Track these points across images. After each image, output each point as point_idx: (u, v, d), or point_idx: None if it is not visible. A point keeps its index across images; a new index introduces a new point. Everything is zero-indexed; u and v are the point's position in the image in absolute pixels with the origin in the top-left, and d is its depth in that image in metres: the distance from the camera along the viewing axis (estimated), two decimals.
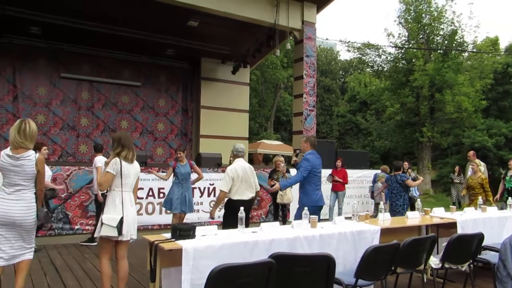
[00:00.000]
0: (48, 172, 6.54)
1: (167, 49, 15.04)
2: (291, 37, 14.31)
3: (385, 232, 4.82)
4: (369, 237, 4.59)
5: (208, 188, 9.69)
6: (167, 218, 9.00)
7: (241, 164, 5.73)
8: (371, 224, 4.91)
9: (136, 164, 4.23)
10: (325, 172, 10.56)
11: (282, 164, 9.23)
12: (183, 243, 3.48)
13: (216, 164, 10.57)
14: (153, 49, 14.73)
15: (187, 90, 17.02)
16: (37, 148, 6.31)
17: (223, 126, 16.45)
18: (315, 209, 5.56)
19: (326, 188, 10.21)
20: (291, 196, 8.64)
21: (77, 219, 8.14)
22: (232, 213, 5.11)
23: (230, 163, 5.00)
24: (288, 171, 9.17)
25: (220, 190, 5.60)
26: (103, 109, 15.32)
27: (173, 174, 7.49)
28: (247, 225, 4.64)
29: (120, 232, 3.87)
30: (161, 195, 9.04)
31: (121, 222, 3.88)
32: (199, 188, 9.54)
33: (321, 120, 34.68)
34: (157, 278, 3.58)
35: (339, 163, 10.28)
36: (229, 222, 5.25)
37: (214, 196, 9.74)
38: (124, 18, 12.19)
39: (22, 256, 3.84)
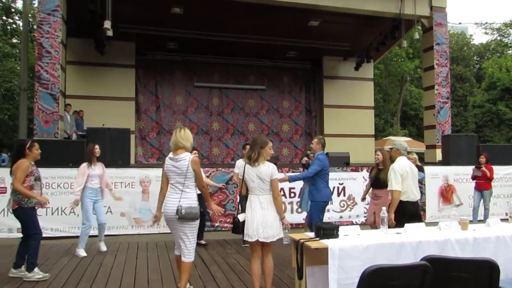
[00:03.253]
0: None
1: (289, 51, 15.37)
2: (418, 26, 13.46)
3: None
4: None
5: (338, 187, 9.60)
6: (298, 217, 9.17)
7: (407, 163, 5.36)
8: None
9: (260, 167, 4.20)
10: (466, 170, 9.68)
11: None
12: (328, 242, 3.51)
13: (344, 163, 10.44)
14: (276, 52, 15.18)
15: (309, 90, 17.16)
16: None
17: (348, 124, 16.18)
18: (325, 204, 6.06)
19: (469, 187, 9.34)
20: (417, 195, 7.95)
21: (216, 217, 8.76)
22: (401, 215, 4.95)
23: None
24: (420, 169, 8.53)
25: (393, 191, 5.09)
26: (232, 114, 16.26)
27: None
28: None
29: (234, 230, 4.19)
30: (292, 194, 9.25)
31: (233, 221, 4.19)
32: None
33: (454, 112, 31.79)
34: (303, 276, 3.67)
35: (482, 159, 9.28)
36: (399, 224, 4.92)
37: (344, 195, 9.62)
38: (249, 26, 12.81)
39: (182, 256, 4.22)
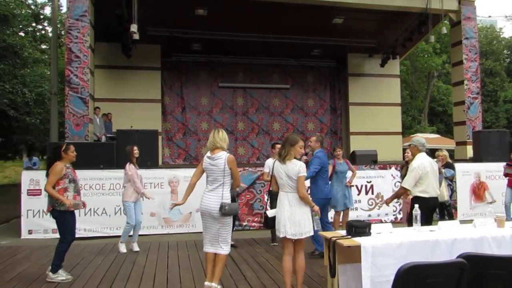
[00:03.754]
0: None
1: (313, 49, 15.29)
2: (446, 20, 13.17)
3: None
4: None
5: (366, 185, 9.51)
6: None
7: (427, 159, 5.26)
8: None
9: (289, 164, 4.24)
10: (498, 167, 9.41)
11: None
12: (360, 240, 3.49)
13: (371, 161, 10.32)
14: (299, 51, 15.12)
15: (334, 88, 17.03)
16: None
17: (374, 121, 15.97)
18: (326, 201, 6.11)
19: (502, 184, 9.06)
20: (446, 193, 7.74)
21: (244, 216, 8.82)
22: (424, 212, 4.90)
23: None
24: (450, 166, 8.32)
25: (403, 187, 5.05)
26: (257, 113, 16.28)
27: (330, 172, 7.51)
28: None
29: (266, 225, 4.18)
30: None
31: (264, 216, 4.19)
32: (356, 186, 9.41)
33: (484, 108, 30.86)
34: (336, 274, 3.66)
35: None
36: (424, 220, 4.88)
37: (372, 193, 9.52)
38: (272, 26, 12.81)
39: (219, 249, 4.37)
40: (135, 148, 6.79)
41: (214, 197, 4.32)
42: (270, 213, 4.32)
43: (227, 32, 13.02)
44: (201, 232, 8.12)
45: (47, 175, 5.12)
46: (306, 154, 6.78)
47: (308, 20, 12.53)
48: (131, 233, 6.74)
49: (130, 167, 6.61)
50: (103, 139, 11.66)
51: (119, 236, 6.90)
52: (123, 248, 6.64)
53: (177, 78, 15.60)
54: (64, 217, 5.09)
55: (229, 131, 15.84)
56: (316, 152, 6.08)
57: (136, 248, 6.77)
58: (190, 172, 8.68)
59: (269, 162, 7.16)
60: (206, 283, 4.37)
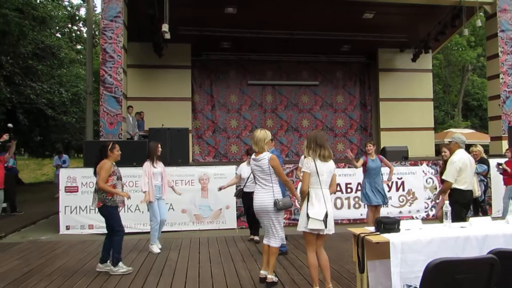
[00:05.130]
0: None
1: (342, 45, 15.15)
2: (480, 13, 12.78)
3: None
4: None
5: (397, 182, 9.38)
6: (355, 213, 9.10)
7: (466, 155, 5.42)
8: None
9: (331, 162, 4.37)
10: None
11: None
12: (389, 237, 3.49)
13: (402, 157, 10.17)
14: (329, 47, 15.01)
15: (364, 84, 16.82)
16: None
17: (405, 117, 15.69)
18: None
19: None
20: (477, 188, 7.54)
21: None
22: (461, 206, 5.07)
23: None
24: (484, 162, 8.12)
25: (447, 181, 5.32)
26: (286, 110, 16.30)
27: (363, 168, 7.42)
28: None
29: (326, 225, 4.11)
30: (349, 190, 9.17)
31: (326, 216, 4.13)
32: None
33: None
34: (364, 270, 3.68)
35: None
36: (457, 217, 4.88)
37: (403, 190, 9.39)
38: (302, 22, 12.79)
39: (271, 242, 4.66)
40: (159, 145, 6.84)
41: (266, 194, 4.63)
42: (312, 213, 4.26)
43: (256, 30, 13.07)
44: (231, 229, 8.27)
45: (95, 173, 5.36)
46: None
47: (338, 15, 12.42)
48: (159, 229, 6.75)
49: (145, 164, 6.63)
50: (136, 137, 11.98)
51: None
52: (156, 249, 6.63)
53: (207, 76, 15.81)
54: (113, 212, 5.39)
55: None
56: (272, 151, 5.81)
57: (159, 245, 6.79)
58: (220, 169, 8.89)
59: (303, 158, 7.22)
60: (262, 271, 4.75)
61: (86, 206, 8.23)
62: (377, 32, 14.02)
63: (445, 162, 6.34)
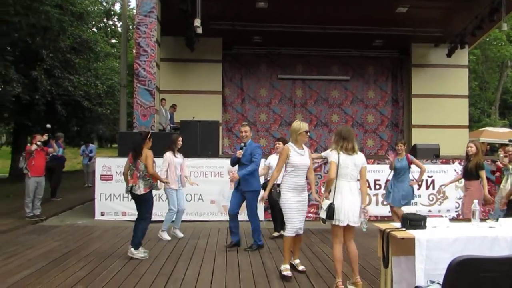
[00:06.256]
0: None
1: (374, 39, 14.95)
2: None
3: None
4: None
5: (427, 180, 9.24)
6: (383, 210, 9.02)
7: None
8: None
9: (359, 155, 4.40)
10: None
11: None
12: (415, 233, 3.51)
13: (434, 155, 10.01)
14: (361, 41, 14.83)
15: (396, 79, 16.55)
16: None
17: (438, 114, 15.36)
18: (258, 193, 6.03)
19: None
20: None
21: None
22: None
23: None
24: None
25: None
26: (315, 105, 16.26)
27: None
28: None
29: (329, 216, 4.20)
30: (377, 186, 9.12)
31: (330, 207, 4.21)
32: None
33: None
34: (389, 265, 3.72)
35: None
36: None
37: (433, 189, 9.25)
38: (333, 16, 12.69)
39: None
40: (180, 138, 7.11)
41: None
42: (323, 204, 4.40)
43: (287, 24, 13.09)
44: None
45: (134, 160, 5.62)
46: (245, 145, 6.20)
47: (371, 9, 12.26)
48: (173, 218, 6.98)
49: (166, 154, 6.90)
50: (168, 129, 12.28)
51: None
52: (166, 236, 6.83)
53: (237, 70, 15.96)
54: (151, 198, 5.75)
55: (288, 123, 15.96)
56: (251, 142, 6.14)
57: (179, 234, 7.00)
58: None
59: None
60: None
61: (120, 194, 8.55)
62: (411, 27, 13.75)
63: (468, 156, 6.26)
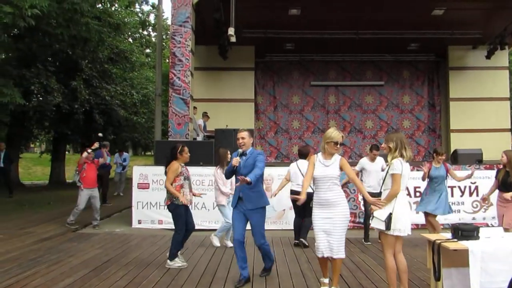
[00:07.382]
0: None
1: (409, 43, 14.65)
2: None
3: None
4: None
5: (470, 187, 8.89)
6: (423, 218, 8.72)
7: None
8: None
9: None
10: None
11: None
12: (468, 244, 3.35)
13: (476, 160, 9.63)
14: (395, 46, 14.58)
15: (433, 83, 16.14)
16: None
17: (478, 118, 14.85)
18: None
19: None
20: None
21: None
22: None
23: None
24: None
25: None
26: (349, 111, 16.04)
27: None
28: None
29: (387, 227, 4.04)
30: (417, 193, 8.82)
31: (389, 217, 4.02)
32: (459, 187, 8.87)
33: None
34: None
35: None
36: None
37: (477, 195, 8.87)
38: (366, 21, 12.52)
39: None
40: (229, 151, 6.80)
41: None
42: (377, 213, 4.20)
43: (319, 30, 13.01)
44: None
45: (166, 173, 5.66)
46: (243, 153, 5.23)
47: (405, 13, 12.00)
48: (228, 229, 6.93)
49: (216, 172, 6.83)
50: (200, 137, 12.35)
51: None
52: (216, 241, 6.89)
53: (270, 78, 15.97)
54: (179, 211, 5.61)
55: (321, 130, 15.82)
56: (252, 150, 5.14)
57: (230, 244, 6.96)
58: (283, 170, 8.90)
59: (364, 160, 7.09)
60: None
61: (156, 202, 8.63)
62: (448, 29, 13.37)
63: (505, 166, 5.78)
